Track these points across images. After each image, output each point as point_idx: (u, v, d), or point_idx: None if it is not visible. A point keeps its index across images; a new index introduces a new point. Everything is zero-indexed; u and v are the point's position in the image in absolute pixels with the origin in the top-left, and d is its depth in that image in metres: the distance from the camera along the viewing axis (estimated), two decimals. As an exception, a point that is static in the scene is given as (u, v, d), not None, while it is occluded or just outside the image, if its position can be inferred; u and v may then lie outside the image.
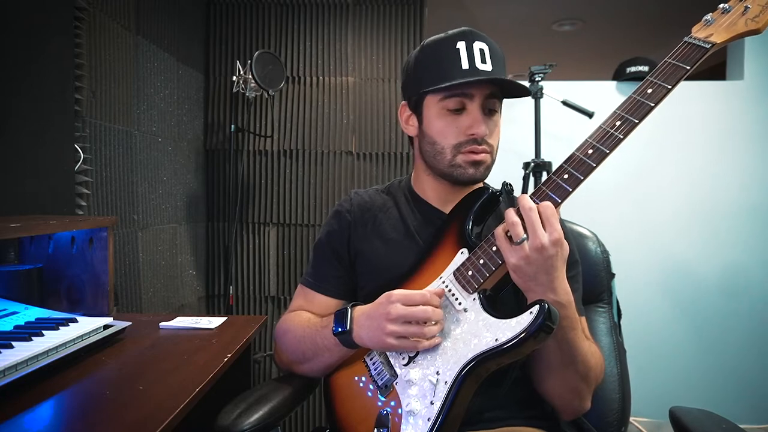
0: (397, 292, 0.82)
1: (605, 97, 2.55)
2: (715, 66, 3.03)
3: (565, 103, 2.23)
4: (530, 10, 3.08)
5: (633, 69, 2.54)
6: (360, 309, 0.87)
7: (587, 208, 2.22)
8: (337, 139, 2.30)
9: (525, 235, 0.75)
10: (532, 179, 2.21)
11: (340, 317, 0.87)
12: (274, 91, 2.12)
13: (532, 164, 2.20)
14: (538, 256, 0.74)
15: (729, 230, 2.49)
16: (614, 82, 2.59)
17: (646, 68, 2.52)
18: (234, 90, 2.13)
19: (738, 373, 2.47)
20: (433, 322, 0.81)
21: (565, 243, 0.77)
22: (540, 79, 2.21)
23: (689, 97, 2.47)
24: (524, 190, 2.24)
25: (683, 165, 2.52)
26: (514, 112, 2.44)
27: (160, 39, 1.86)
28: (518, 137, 2.43)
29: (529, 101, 2.23)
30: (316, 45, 2.31)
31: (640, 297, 2.50)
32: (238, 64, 2.14)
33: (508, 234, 0.78)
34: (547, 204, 0.76)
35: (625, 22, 3.27)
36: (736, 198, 2.49)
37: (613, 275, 1.11)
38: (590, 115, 2.15)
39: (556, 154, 2.28)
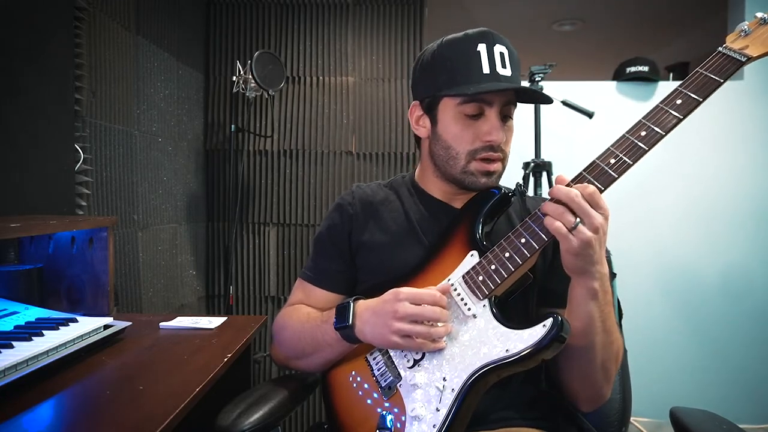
0: (406, 290, 0.81)
1: (605, 97, 2.55)
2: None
3: (565, 103, 2.22)
4: (530, 10, 3.08)
5: (633, 69, 2.54)
6: (364, 304, 0.86)
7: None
8: (337, 139, 2.30)
9: (578, 219, 0.72)
10: (531, 179, 2.20)
11: (341, 311, 0.86)
12: (274, 91, 2.12)
13: (532, 164, 2.20)
14: (596, 236, 0.72)
15: (729, 230, 2.49)
16: (614, 82, 2.58)
17: (646, 68, 2.52)
18: (234, 90, 2.13)
19: (738, 373, 2.47)
20: (440, 324, 0.80)
21: None
22: (540, 79, 2.20)
23: (689, 97, 2.46)
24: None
25: (683, 165, 2.52)
26: (514, 111, 2.43)
27: (160, 39, 1.86)
28: (518, 137, 2.37)
29: (529, 101, 2.23)
30: (316, 45, 2.31)
31: (641, 297, 2.50)
32: (238, 64, 2.14)
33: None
34: (585, 185, 0.74)
35: (625, 22, 3.27)
36: (736, 198, 2.49)
37: (614, 275, 1.11)
38: (590, 115, 2.15)
39: (556, 154, 2.28)
